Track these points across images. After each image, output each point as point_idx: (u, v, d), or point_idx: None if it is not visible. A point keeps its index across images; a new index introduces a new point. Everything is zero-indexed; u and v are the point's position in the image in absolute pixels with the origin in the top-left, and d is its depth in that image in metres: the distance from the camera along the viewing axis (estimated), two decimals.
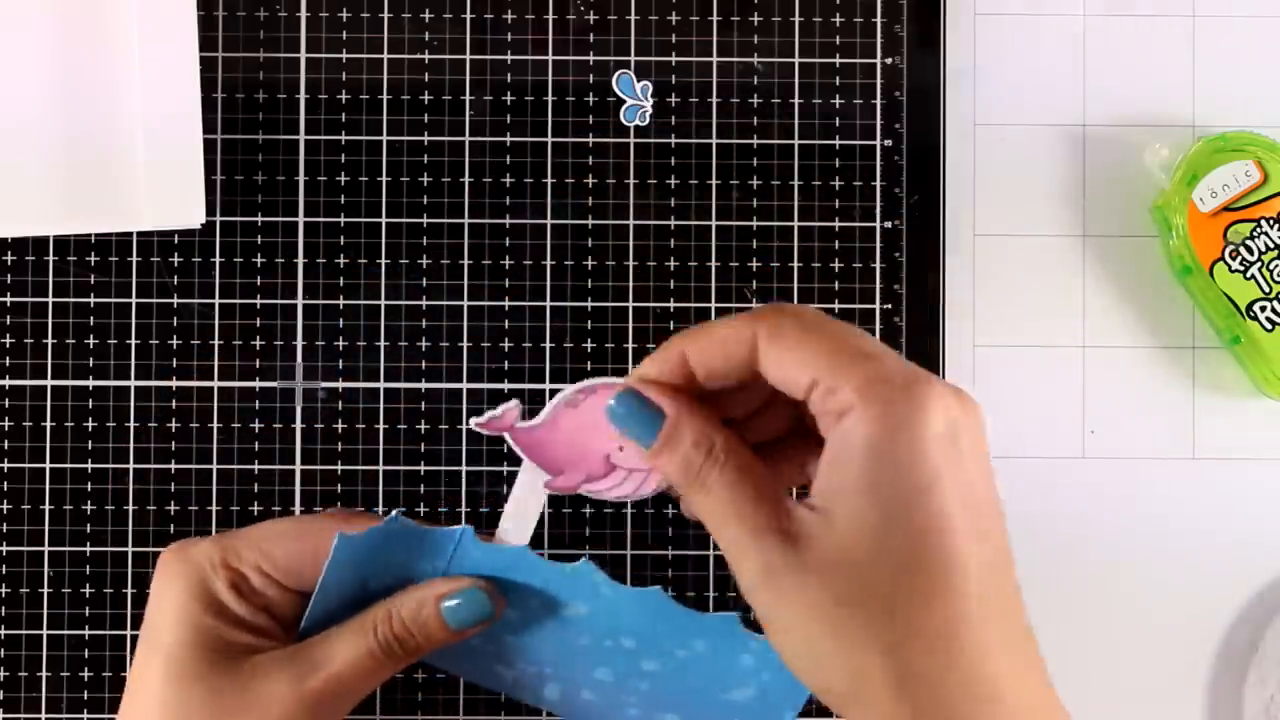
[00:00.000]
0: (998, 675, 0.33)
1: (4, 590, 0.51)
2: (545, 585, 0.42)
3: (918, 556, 0.33)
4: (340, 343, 0.51)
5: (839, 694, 0.34)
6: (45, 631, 0.51)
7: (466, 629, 0.42)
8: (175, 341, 0.51)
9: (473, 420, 0.40)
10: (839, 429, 0.34)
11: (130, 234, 0.51)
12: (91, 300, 0.51)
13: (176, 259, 0.51)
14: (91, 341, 0.51)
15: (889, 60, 0.52)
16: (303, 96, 0.51)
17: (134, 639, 0.50)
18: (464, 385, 0.51)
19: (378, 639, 0.41)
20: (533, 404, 0.48)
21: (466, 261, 0.51)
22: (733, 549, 0.35)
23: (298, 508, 0.50)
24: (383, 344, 0.51)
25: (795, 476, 0.39)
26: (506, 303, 0.51)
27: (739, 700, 0.42)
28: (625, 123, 0.52)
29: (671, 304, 0.51)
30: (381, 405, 0.51)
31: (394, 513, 0.41)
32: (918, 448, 0.33)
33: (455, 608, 0.42)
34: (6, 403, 0.51)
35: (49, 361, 0.51)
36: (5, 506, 0.51)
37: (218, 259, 0.51)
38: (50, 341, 0.51)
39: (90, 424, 0.51)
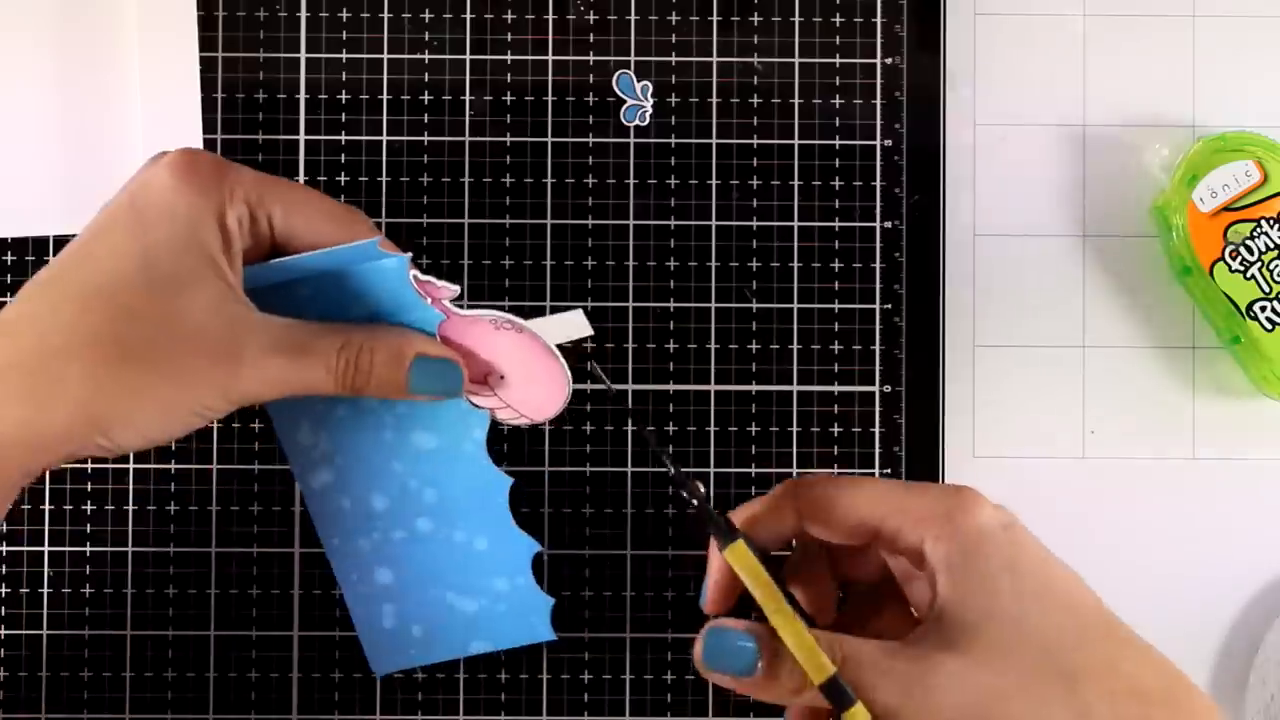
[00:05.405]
0: (1149, 690, 0.36)
1: (4, 590, 0.51)
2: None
3: (1050, 606, 0.36)
4: None
5: None
6: (45, 631, 0.51)
7: (420, 395, 0.42)
8: None
9: (414, 273, 0.41)
10: (928, 558, 0.37)
11: None
12: None
13: None
14: None
15: (889, 60, 0.52)
16: (303, 96, 0.51)
17: (134, 639, 0.50)
18: None
19: (338, 363, 0.40)
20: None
21: (467, 261, 0.51)
22: (863, 687, 0.36)
23: (298, 506, 0.50)
24: None
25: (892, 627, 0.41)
26: (507, 303, 0.51)
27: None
28: (625, 123, 0.52)
29: (671, 304, 0.51)
30: None
31: (407, 256, 0.41)
32: (988, 546, 0.37)
33: (424, 372, 0.42)
34: None
35: None
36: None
37: None
38: None
39: None
